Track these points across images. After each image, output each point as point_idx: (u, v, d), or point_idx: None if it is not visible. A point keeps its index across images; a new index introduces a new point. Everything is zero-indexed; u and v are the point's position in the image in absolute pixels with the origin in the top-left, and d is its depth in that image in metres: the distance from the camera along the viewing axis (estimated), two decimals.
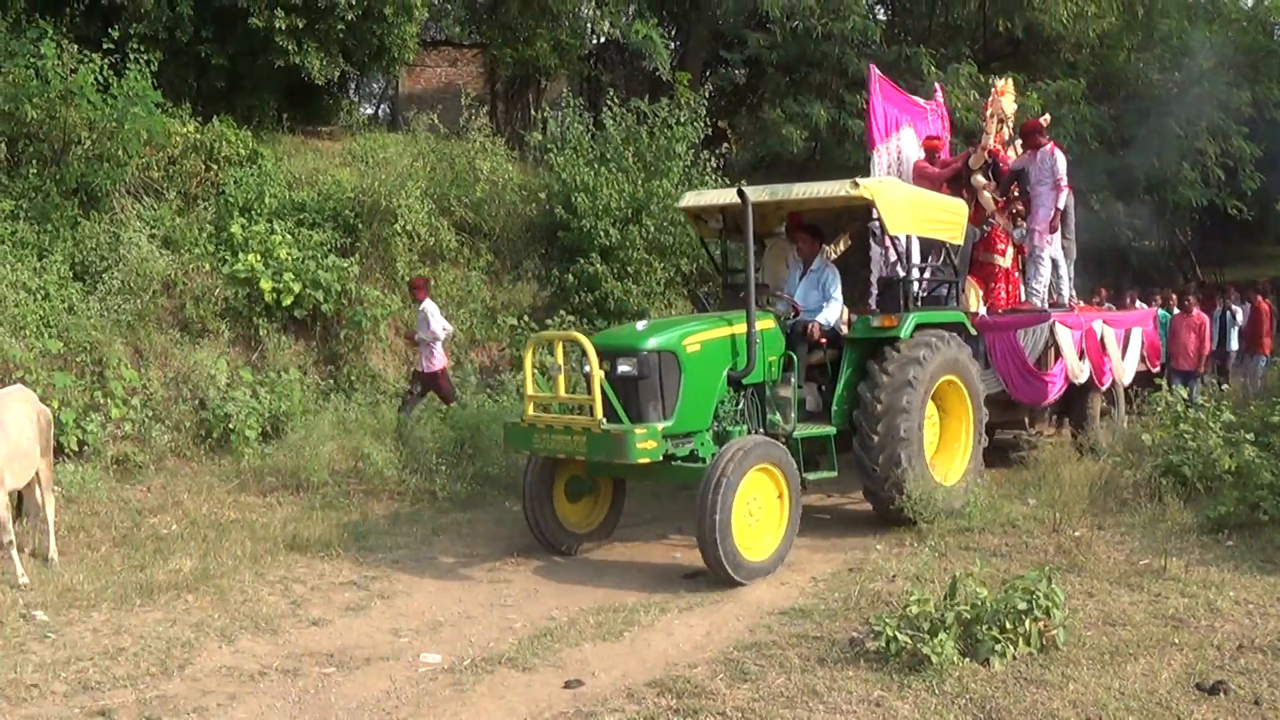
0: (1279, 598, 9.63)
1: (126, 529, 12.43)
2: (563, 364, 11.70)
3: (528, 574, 11.22)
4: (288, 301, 16.64)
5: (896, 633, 7.94)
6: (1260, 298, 23.01)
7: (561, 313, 19.18)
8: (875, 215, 12.87)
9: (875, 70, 17.51)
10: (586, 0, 26.79)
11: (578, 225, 19.86)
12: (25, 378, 13.57)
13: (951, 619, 8.03)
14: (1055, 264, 17.05)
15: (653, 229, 20.11)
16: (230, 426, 14.98)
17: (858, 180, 12.41)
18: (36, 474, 10.99)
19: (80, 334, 14.65)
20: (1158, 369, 18.96)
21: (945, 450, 13.42)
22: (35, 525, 11.43)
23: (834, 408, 12.50)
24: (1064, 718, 7.04)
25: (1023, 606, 8.09)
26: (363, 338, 17.52)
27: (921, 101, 18.70)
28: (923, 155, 17.52)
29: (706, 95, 22.27)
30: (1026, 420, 17.18)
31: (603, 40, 29.19)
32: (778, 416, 11.89)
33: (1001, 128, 17.72)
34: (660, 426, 10.81)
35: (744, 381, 11.67)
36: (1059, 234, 16.94)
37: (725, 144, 23.25)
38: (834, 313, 12.66)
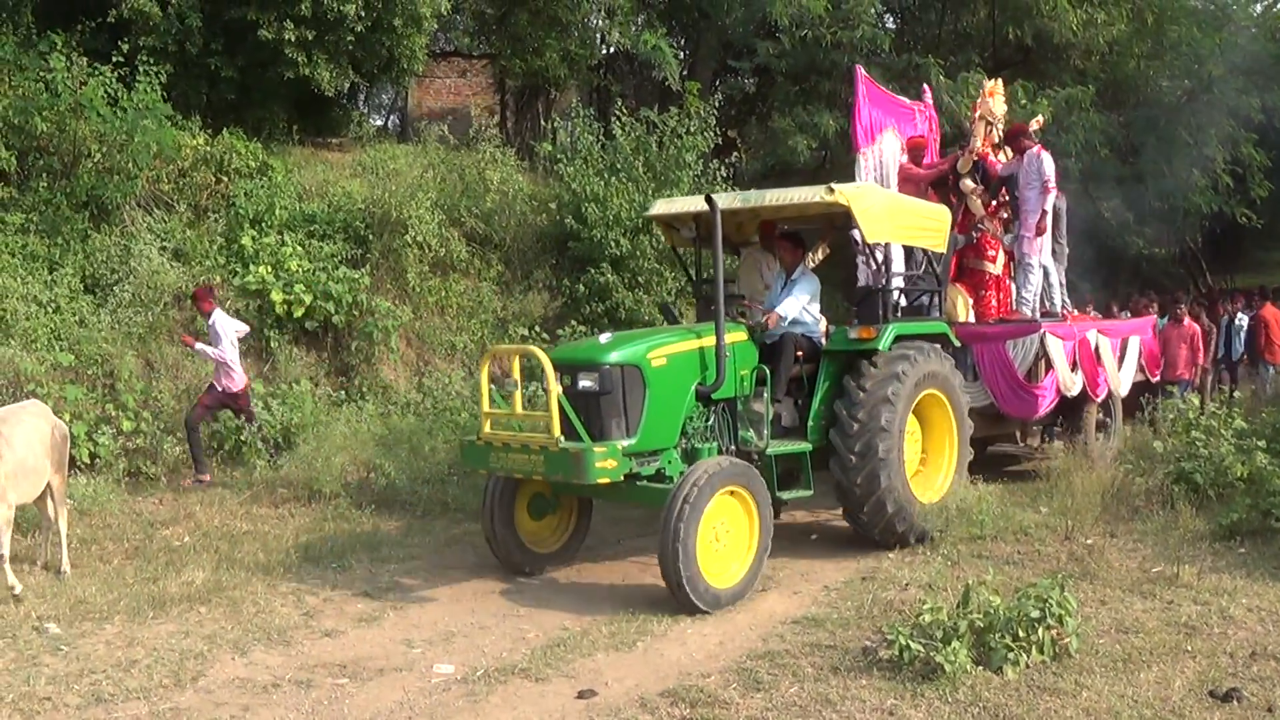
0: None
1: (139, 541, 12.44)
2: (519, 379, 11.14)
3: (540, 584, 11.21)
4: (299, 313, 16.66)
5: (910, 641, 7.94)
6: (1270, 305, 22.93)
7: (573, 323, 19.18)
8: (852, 222, 12.32)
9: (861, 71, 17.21)
10: (596, 10, 26.80)
11: (588, 235, 19.84)
12: (37, 390, 13.60)
13: (964, 627, 8.02)
14: (1046, 271, 16.65)
15: (663, 239, 20.06)
16: (242, 438, 14.98)
17: (833, 186, 11.94)
18: (49, 488, 10.99)
19: (91, 347, 14.67)
20: (1157, 378, 18.72)
21: (929, 466, 12.93)
22: (48, 539, 11.45)
23: (810, 423, 12.04)
24: None
25: (1036, 614, 8.08)
26: (374, 349, 17.50)
27: (909, 102, 18.43)
28: (906, 158, 17.15)
29: (716, 105, 22.27)
30: (1018, 434, 17.05)
31: (612, 50, 29.19)
32: (751, 433, 11.43)
33: (990, 130, 17.24)
34: (623, 444, 10.33)
35: (714, 396, 11.25)
36: (1049, 240, 16.59)
37: (735, 153, 23.17)
38: (793, 308, 12.18)
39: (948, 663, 7.68)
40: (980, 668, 7.86)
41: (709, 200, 11.33)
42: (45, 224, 15.77)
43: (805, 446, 11.78)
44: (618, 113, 21.30)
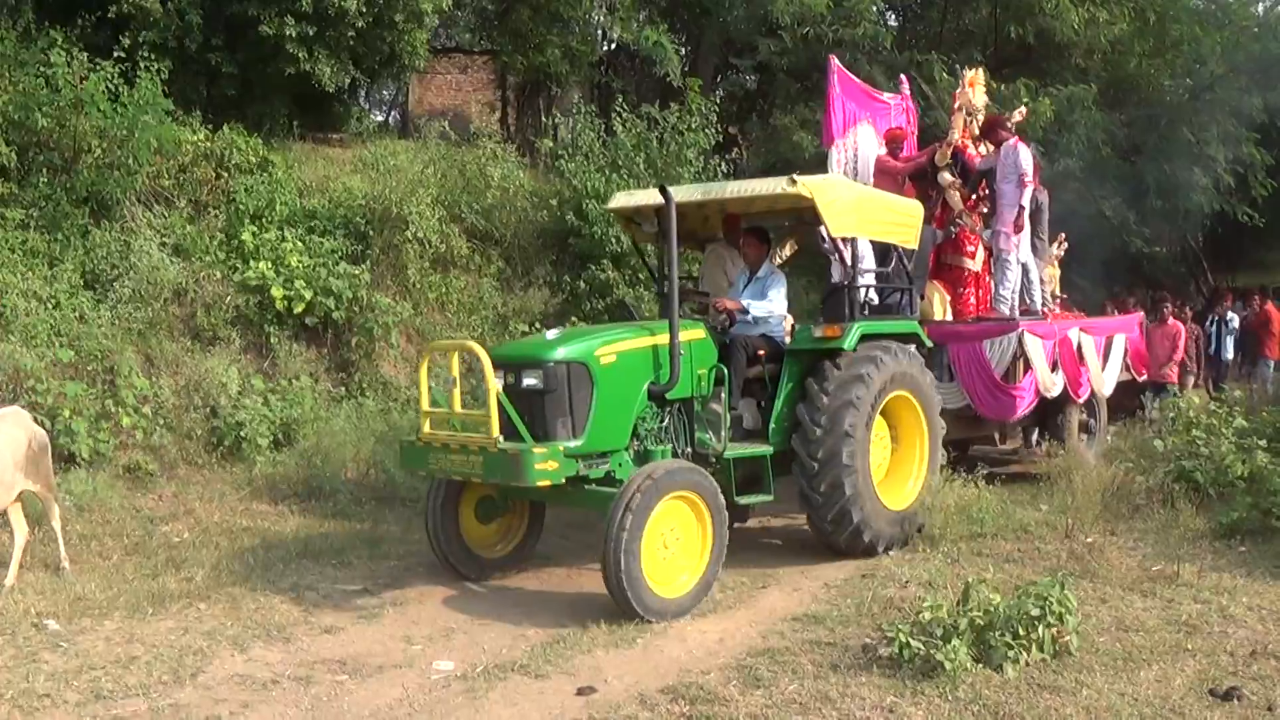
0: None
1: (138, 538, 12.43)
2: (457, 376, 10.45)
3: (540, 581, 11.22)
4: (299, 309, 16.61)
5: (909, 639, 7.94)
6: (1271, 303, 22.90)
7: (574, 319, 19.15)
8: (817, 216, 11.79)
9: (835, 62, 16.91)
10: (597, 6, 26.80)
11: (589, 232, 19.82)
12: (36, 387, 13.57)
13: (964, 625, 8.03)
14: (1026, 268, 16.23)
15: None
16: (242, 434, 14.97)
17: (795, 177, 11.39)
18: (24, 497, 10.88)
19: (91, 343, 14.64)
20: (1144, 377, 18.45)
21: (898, 470, 12.45)
22: (47, 536, 11.43)
23: (772, 425, 11.55)
24: None
25: (1036, 613, 8.08)
26: (374, 345, 17.43)
27: (885, 95, 18.09)
28: (884, 150, 16.81)
29: (717, 101, 22.27)
30: (997, 436, 16.78)
31: (613, 46, 29.23)
32: (709, 435, 11.03)
33: (970, 122, 16.78)
34: (563, 446, 9.88)
35: (668, 396, 10.81)
36: (1029, 236, 16.21)
37: (736, 150, 23.23)
38: (761, 308, 11.82)
39: (948, 660, 7.68)
40: (980, 665, 7.86)
41: (663, 191, 10.83)
42: (45, 220, 15.73)
43: (766, 450, 11.36)
44: (619, 109, 21.27)
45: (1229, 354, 22.83)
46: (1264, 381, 21.54)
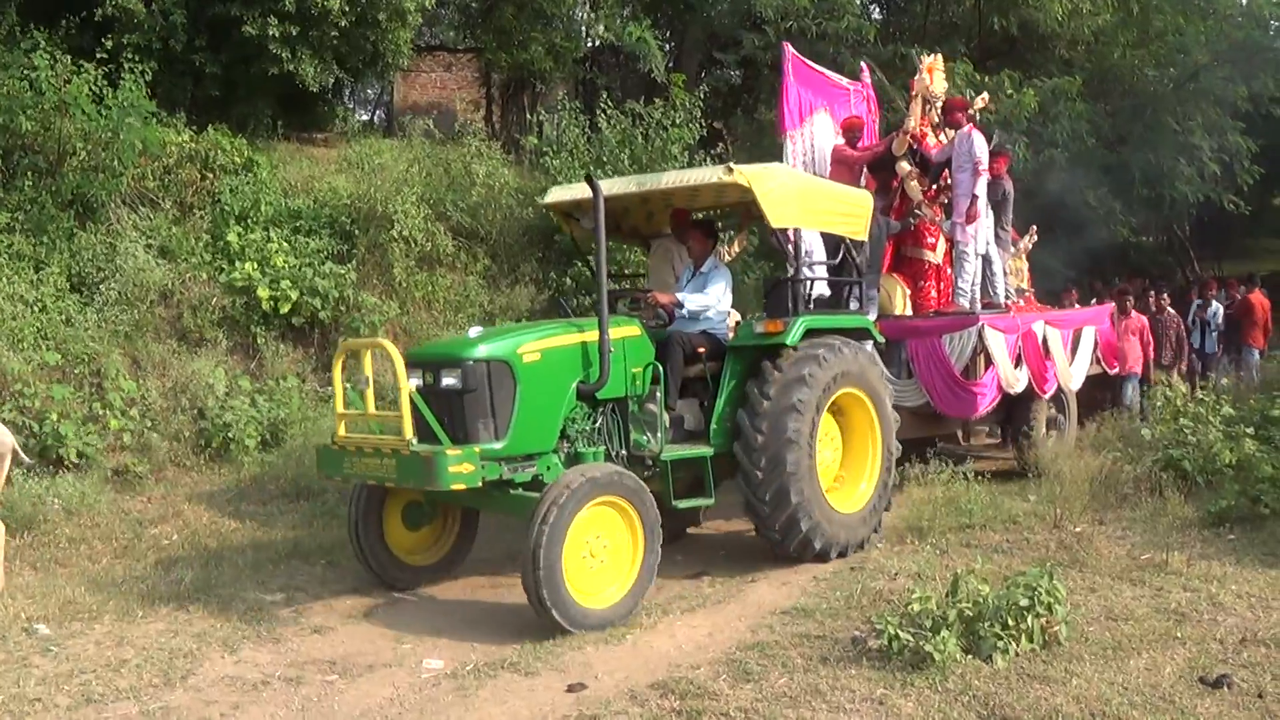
0: None
1: (127, 540, 12.42)
2: (370, 375, 10.13)
3: None
4: (285, 309, 16.59)
5: (899, 631, 7.94)
6: (1258, 291, 22.89)
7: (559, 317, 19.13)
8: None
9: (789, 49, 16.27)
10: (581, 3, 26.80)
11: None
12: (24, 390, 13.57)
13: (954, 616, 8.03)
14: (989, 259, 15.82)
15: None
16: (229, 435, 14.95)
17: (732, 166, 11.00)
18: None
19: (78, 345, 14.63)
20: (1115, 370, 18.02)
21: (850, 471, 11.98)
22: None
23: (713, 426, 11.09)
24: (1067, 713, 7.02)
25: (1025, 603, 8.08)
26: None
27: (845, 82, 17.53)
28: (841, 140, 16.17)
29: (701, 96, 22.21)
30: (959, 433, 16.22)
31: (597, 43, 29.21)
32: (645, 436, 10.56)
33: (929, 109, 16.37)
34: (481, 448, 9.42)
35: (599, 396, 10.33)
36: (991, 226, 15.81)
37: (721, 145, 23.17)
38: (696, 302, 11.36)
39: (937, 652, 7.68)
40: (970, 656, 7.86)
41: (590, 182, 10.40)
42: (31, 223, 15.70)
43: (705, 451, 10.91)
44: (603, 105, 21.24)
45: (1213, 346, 22.31)
46: (1250, 369, 21.53)
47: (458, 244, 19.71)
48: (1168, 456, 13.38)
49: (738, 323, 11.94)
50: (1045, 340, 15.63)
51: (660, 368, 10.72)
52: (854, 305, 13.11)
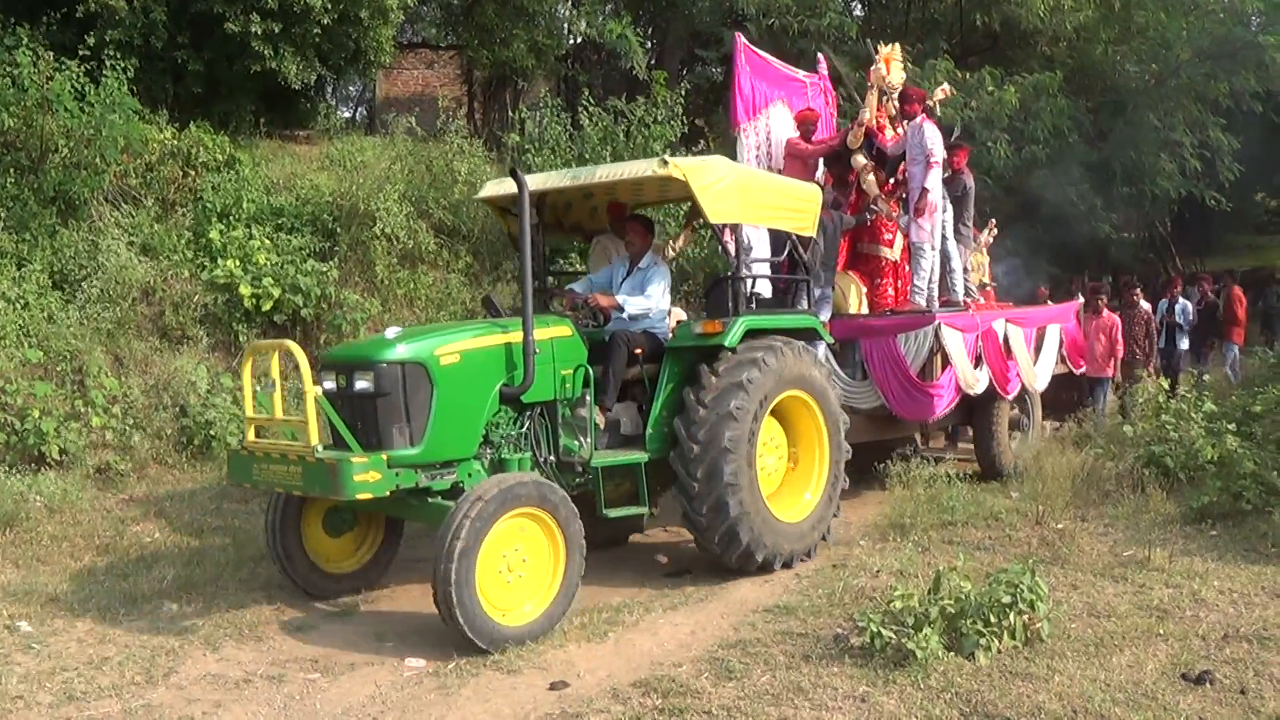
0: (1263, 587, 9.70)
1: (109, 538, 12.37)
2: (278, 378, 9.78)
3: None
4: (267, 306, 16.56)
5: (881, 628, 7.96)
6: (1236, 287, 22.93)
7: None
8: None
9: (741, 40, 15.80)
10: (562, 0, 26.81)
11: None
12: (6, 388, 13.55)
13: (936, 613, 8.04)
14: (948, 256, 15.40)
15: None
16: (211, 433, 14.92)
17: (667, 158, 10.41)
18: None
19: (60, 343, 14.59)
20: (1081, 370, 17.79)
21: (796, 478, 11.52)
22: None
23: (649, 431, 10.60)
24: (1050, 710, 7.03)
25: (1007, 600, 8.10)
26: (342, 341, 17.42)
27: (801, 74, 16.95)
28: (796, 133, 15.75)
29: (683, 93, 22.23)
30: (918, 436, 15.83)
31: (579, 40, 29.23)
32: (575, 441, 10.09)
33: (886, 101, 15.69)
34: (389, 455, 9.02)
35: (525, 399, 9.86)
36: (950, 222, 15.49)
37: (702, 142, 23.19)
38: (638, 305, 10.87)
39: (919, 649, 7.69)
40: (952, 654, 7.87)
41: (514, 175, 9.94)
42: (13, 220, 15.65)
43: (639, 457, 10.44)
44: (585, 103, 21.26)
45: (1183, 344, 21.58)
46: (1230, 365, 21.56)
47: (440, 241, 19.69)
48: (1149, 453, 13.41)
49: (679, 322, 11.47)
50: (1007, 339, 15.32)
51: (590, 370, 10.32)
52: (803, 304, 12.81)
